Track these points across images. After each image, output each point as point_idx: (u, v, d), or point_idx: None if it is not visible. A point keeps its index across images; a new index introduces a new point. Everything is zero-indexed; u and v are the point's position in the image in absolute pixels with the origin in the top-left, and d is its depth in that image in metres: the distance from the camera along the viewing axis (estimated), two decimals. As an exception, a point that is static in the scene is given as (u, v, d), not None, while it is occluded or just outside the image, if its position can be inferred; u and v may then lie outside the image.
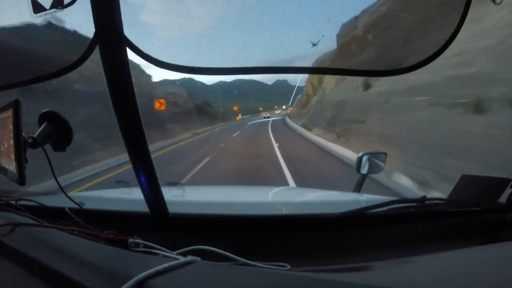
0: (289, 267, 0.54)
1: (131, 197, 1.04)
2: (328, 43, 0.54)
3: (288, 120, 27.55)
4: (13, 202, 0.76)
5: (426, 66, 0.54)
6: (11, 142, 0.58)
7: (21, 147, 0.58)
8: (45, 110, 0.69)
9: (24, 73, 0.66)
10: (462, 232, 0.77)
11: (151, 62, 0.53)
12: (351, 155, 6.26)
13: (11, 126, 0.58)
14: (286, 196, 1.56)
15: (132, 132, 0.58)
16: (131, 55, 0.53)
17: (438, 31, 0.54)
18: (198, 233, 0.76)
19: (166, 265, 0.41)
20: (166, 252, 0.51)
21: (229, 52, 0.55)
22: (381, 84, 10.37)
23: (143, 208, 0.69)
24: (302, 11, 0.53)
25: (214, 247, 0.54)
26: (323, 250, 0.72)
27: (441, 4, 0.56)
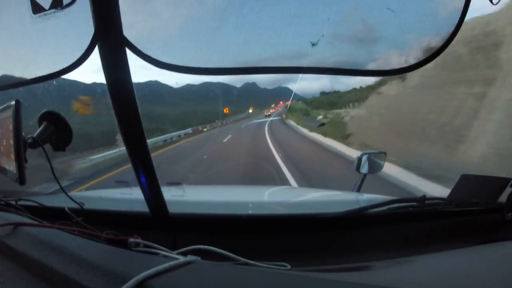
0: (289, 267, 0.54)
1: (131, 197, 1.04)
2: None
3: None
4: (13, 202, 0.76)
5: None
6: (11, 142, 0.58)
7: (21, 147, 0.58)
8: (44, 110, 0.69)
9: (24, 73, 0.66)
10: (462, 232, 0.77)
11: (151, 62, 0.53)
12: None
13: (11, 126, 0.58)
14: (286, 196, 1.56)
15: (132, 132, 0.58)
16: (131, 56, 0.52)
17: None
18: (198, 233, 0.76)
19: (166, 265, 0.41)
20: (166, 252, 0.51)
21: (229, 52, 0.55)
22: None
23: (143, 208, 0.69)
24: (302, 11, 0.53)
25: (215, 247, 0.54)
26: (323, 250, 0.72)
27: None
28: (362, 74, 0.56)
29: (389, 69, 0.56)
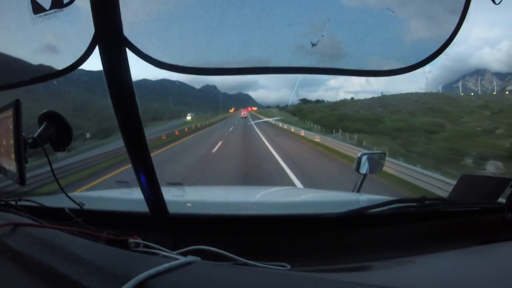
0: (289, 267, 0.54)
1: (131, 197, 1.04)
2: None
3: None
4: (13, 202, 0.76)
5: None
6: (11, 142, 0.58)
7: (21, 147, 0.58)
8: (45, 110, 0.69)
9: (24, 73, 0.66)
10: (462, 232, 0.77)
11: (151, 62, 0.53)
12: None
13: (11, 126, 0.58)
14: (286, 196, 1.56)
15: (132, 132, 0.58)
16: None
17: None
18: (198, 233, 0.76)
19: (166, 265, 0.41)
20: (166, 252, 0.51)
21: (229, 52, 0.55)
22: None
23: (143, 208, 0.69)
24: (302, 11, 0.53)
25: (214, 247, 0.54)
26: (323, 250, 0.72)
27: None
28: (362, 74, 0.57)
29: (389, 69, 0.56)
